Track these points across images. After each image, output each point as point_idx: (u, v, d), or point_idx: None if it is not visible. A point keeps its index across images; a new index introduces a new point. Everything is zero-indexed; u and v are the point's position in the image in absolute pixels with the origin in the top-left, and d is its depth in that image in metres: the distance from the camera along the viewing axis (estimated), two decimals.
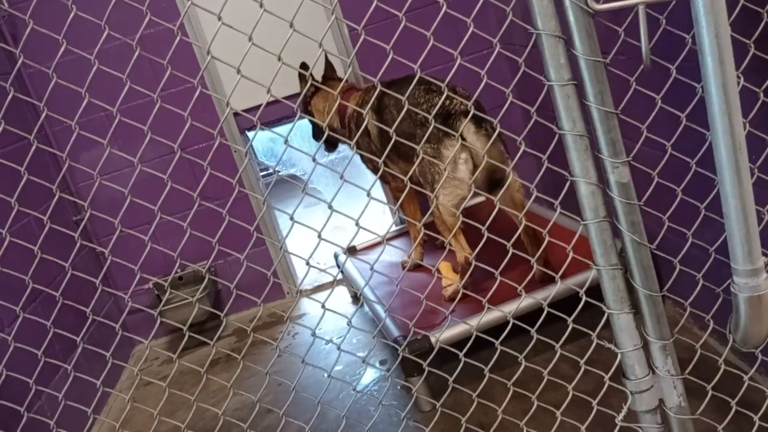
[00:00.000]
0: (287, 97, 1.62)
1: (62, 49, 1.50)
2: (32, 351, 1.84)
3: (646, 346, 1.61)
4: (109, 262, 1.75)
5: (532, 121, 1.57)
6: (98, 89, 1.50)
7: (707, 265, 1.82)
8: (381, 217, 4.90)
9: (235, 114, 4.23)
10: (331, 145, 3.98)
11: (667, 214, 1.79)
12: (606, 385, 1.80)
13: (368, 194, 1.66)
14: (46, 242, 1.73)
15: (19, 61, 1.64)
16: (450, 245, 2.83)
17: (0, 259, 1.66)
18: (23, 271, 1.79)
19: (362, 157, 3.50)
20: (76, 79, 1.52)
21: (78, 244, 1.79)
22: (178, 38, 1.51)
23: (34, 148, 1.63)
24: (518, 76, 1.56)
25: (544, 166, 1.62)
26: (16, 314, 1.72)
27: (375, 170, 3.43)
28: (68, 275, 1.75)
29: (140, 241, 1.77)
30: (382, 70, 1.58)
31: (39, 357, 1.84)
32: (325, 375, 1.79)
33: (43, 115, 1.76)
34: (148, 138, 1.55)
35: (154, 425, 1.98)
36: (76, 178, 4.32)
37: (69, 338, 1.90)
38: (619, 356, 1.62)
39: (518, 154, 1.63)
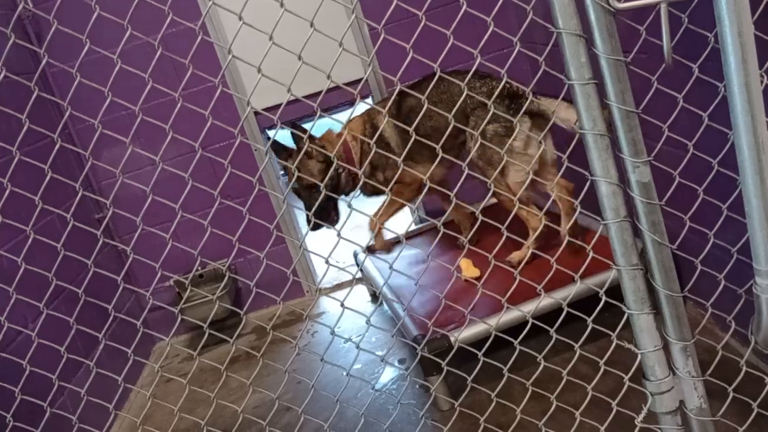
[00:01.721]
0: (307, 96, 1.62)
1: (86, 48, 1.52)
2: (55, 347, 1.86)
3: (666, 347, 1.60)
4: (130, 259, 1.77)
5: (552, 120, 1.57)
6: (121, 88, 1.52)
7: (729, 266, 1.81)
8: (401, 216, 4.89)
9: (256, 113, 4.25)
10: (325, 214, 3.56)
11: (689, 214, 1.78)
12: (626, 386, 1.79)
13: (387, 193, 1.66)
14: (69, 240, 1.75)
15: (44, 61, 1.65)
16: (524, 216, 2.94)
17: (24, 256, 1.68)
18: (46, 269, 1.81)
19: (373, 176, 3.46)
20: (99, 78, 1.54)
21: (100, 242, 1.81)
22: (199, 38, 1.53)
23: (57, 146, 1.65)
24: (538, 75, 1.55)
25: (564, 166, 1.62)
26: (39, 311, 1.74)
27: (387, 181, 3.39)
28: (90, 272, 1.77)
29: (161, 239, 1.79)
30: (402, 69, 1.59)
31: (62, 353, 1.86)
32: (344, 373, 1.79)
33: (67, 114, 1.78)
34: (169, 137, 1.57)
35: (174, 421, 2.00)
36: (98, 176, 4.36)
37: (91, 335, 1.92)
38: (639, 357, 1.61)
39: (537, 154, 1.63)
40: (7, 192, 1.60)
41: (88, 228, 1.87)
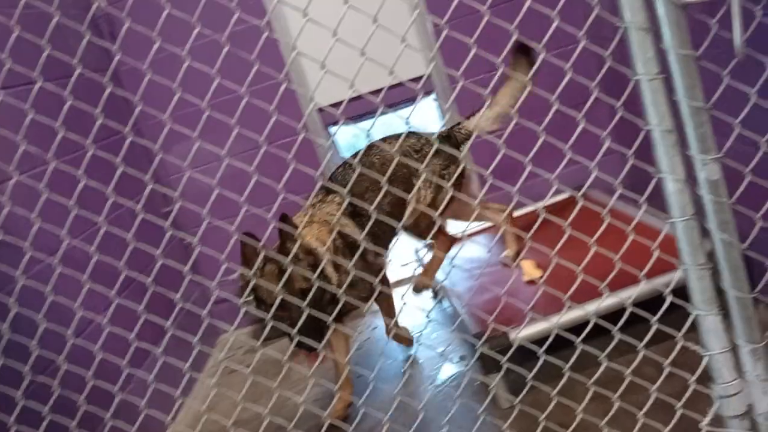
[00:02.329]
0: (370, 93, 1.64)
1: (156, 46, 1.57)
2: (124, 335, 1.92)
3: (734, 350, 1.56)
4: (196, 252, 1.81)
5: (618, 117, 1.54)
6: (189, 84, 1.56)
7: None
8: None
9: (320, 109, 4.30)
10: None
11: (760, 213, 1.72)
12: (691, 389, 1.75)
13: (449, 189, 1.66)
14: (138, 232, 1.81)
15: (116, 58, 1.71)
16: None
17: (96, 247, 1.74)
18: (117, 259, 1.88)
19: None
20: (169, 75, 1.59)
21: (168, 235, 1.87)
22: (265, 35, 1.55)
23: (128, 141, 1.70)
24: (604, 69, 1.53)
25: (629, 163, 1.59)
26: (110, 300, 1.81)
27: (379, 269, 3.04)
28: (158, 264, 1.83)
29: (227, 232, 1.83)
30: (464, 65, 1.58)
31: (130, 341, 1.92)
32: (403, 369, 1.80)
33: (138, 109, 1.84)
34: (235, 132, 1.60)
35: (237, 411, 2.05)
36: (167, 170, 4.48)
37: (158, 324, 1.97)
38: (705, 359, 1.58)
39: (602, 150, 1.60)
40: (82, 185, 1.66)
41: (157, 221, 1.93)
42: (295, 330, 2.18)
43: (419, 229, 3.24)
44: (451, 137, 3.20)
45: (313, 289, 2.46)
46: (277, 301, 2.33)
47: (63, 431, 1.92)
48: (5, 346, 1.89)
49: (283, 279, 2.51)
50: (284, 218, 2.58)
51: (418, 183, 2.97)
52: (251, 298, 2.67)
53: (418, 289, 3.54)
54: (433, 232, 3.24)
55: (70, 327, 1.87)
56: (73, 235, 1.93)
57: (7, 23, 1.59)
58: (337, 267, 2.80)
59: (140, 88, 1.67)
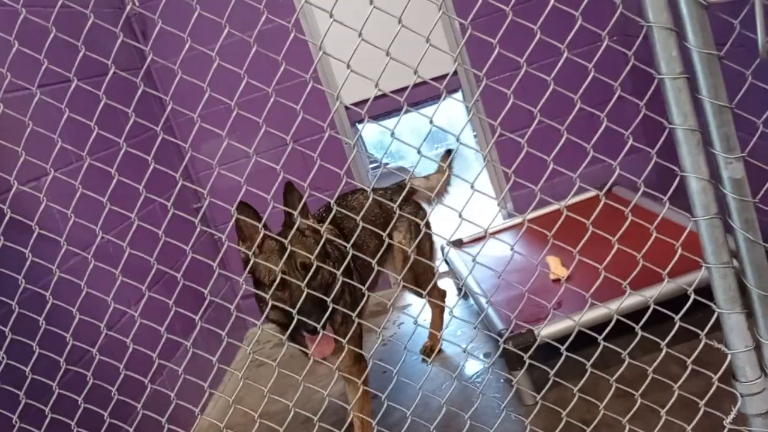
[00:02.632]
0: (395, 91, 1.66)
1: (186, 45, 1.61)
2: (156, 328, 1.98)
3: (758, 348, 1.56)
4: (225, 247, 1.85)
5: (641, 115, 1.55)
6: (218, 83, 1.60)
7: None
8: (489, 210, 4.88)
9: (346, 107, 4.33)
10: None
11: None
12: (715, 387, 1.75)
13: (472, 186, 1.68)
14: (168, 227, 1.86)
15: (149, 58, 1.75)
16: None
17: (128, 242, 1.79)
18: (148, 254, 1.93)
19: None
20: (199, 74, 1.62)
21: (197, 230, 1.91)
22: (292, 35, 1.58)
23: (160, 139, 1.75)
24: (628, 68, 1.54)
25: (653, 161, 1.59)
26: (141, 293, 1.85)
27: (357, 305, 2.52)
28: (188, 259, 1.87)
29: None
30: (488, 64, 1.60)
31: (161, 333, 1.97)
32: (428, 364, 1.82)
33: (169, 107, 1.88)
34: (263, 130, 1.63)
35: (264, 403, 2.08)
36: (196, 167, 4.55)
37: (188, 317, 2.02)
38: (729, 357, 1.58)
39: (626, 149, 1.61)
40: (115, 181, 1.71)
41: (187, 216, 1.97)
42: (296, 308, 2.03)
43: (419, 281, 3.33)
44: (403, 187, 3.41)
45: (314, 266, 2.32)
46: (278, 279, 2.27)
47: (97, 419, 1.98)
48: (41, 336, 1.95)
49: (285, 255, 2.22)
50: (289, 188, 2.31)
51: (394, 221, 3.12)
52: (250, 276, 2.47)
53: (428, 353, 3.61)
54: (432, 283, 3.36)
55: (103, 319, 1.92)
56: (106, 231, 1.98)
57: (45, 24, 1.64)
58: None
59: (171, 87, 1.71)
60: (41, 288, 2.06)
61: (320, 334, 2.20)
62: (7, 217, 1.83)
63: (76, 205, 1.82)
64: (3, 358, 1.96)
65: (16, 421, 2.02)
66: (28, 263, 1.85)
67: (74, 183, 1.79)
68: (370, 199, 2.31)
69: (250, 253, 2.34)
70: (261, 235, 2.24)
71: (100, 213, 1.82)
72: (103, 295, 1.82)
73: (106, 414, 1.95)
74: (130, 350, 1.90)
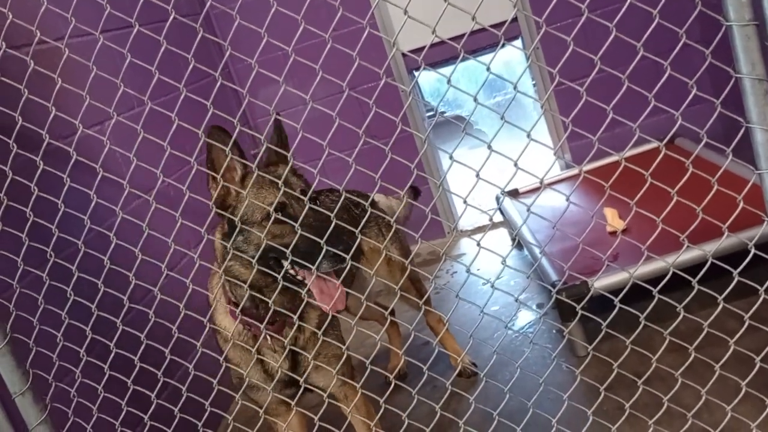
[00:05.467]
0: (453, 38, 1.63)
1: None
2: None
3: None
4: (281, 192, 1.87)
5: (707, 63, 1.49)
6: (276, 29, 1.60)
7: None
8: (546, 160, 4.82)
9: (403, 54, 4.29)
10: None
11: None
12: None
13: (528, 135, 1.66)
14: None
15: (208, 3, 1.76)
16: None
17: (188, 185, 1.83)
18: (207, 198, 1.97)
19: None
20: (257, 19, 1.63)
21: (255, 176, 1.94)
22: None
23: (218, 84, 1.77)
24: (695, 14, 1.48)
25: (717, 111, 1.54)
26: (200, 236, 1.90)
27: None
28: (245, 203, 1.91)
29: (310, 175, 1.88)
30: (548, 10, 1.56)
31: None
32: (479, 312, 1.83)
33: (227, 53, 1.89)
34: (319, 77, 1.64)
35: (317, 345, 2.13)
36: (254, 113, 4.60)
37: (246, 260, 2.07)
38: None
39: (689, 98, 1.56)
40: (175, 126, 1.74)
41: (245, 162, 2.00)
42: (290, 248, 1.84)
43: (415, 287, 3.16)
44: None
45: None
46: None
47: (157, 356, 2.06)
48: (105, 276, 2.03)
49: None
50: (279, 124, 2.12)
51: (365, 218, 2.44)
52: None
53: (399, 377, 3.27)
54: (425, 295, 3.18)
55: (164, 261, 1.98)
56: (167, 174, 2.03)
57: None
58: None
59: (230, 33, 1.72)
60: (106, 229, 2.13)
61: (343, 270, 1.93)
62: (72, 160, 1.89)
63: (138, 149, 1.87)
64: (71, 294, 2.04)
65: (83, 355, 2.12)
66: (92, 204, 1.91)
67: (136, 127, 1.83)
68: (342, 197, 2.03)
69: (235, 188, 1.97)
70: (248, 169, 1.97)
71: (161, 157, 1.87)
72: (164, 237, 1.88)
73: (167, 351, 2.03)
74: (190, 290, 1.96)
